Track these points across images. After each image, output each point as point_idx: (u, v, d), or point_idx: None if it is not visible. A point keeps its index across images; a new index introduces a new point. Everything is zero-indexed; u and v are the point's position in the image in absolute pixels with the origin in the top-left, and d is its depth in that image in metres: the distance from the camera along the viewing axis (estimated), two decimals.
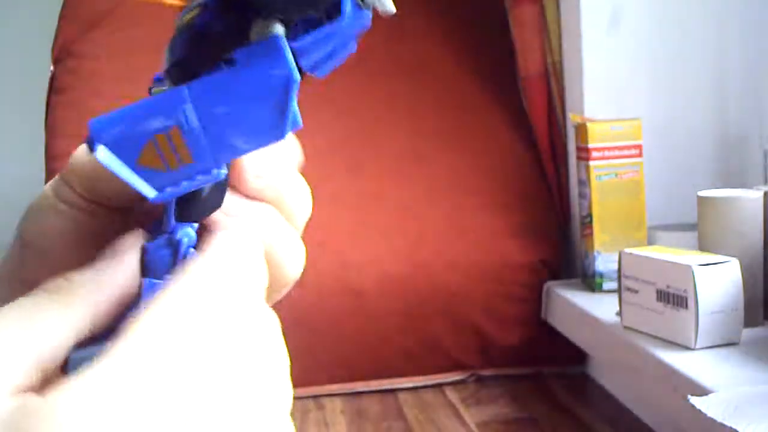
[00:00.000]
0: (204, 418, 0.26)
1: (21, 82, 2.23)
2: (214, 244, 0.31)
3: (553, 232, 1.58)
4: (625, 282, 1.14)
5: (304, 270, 0.39)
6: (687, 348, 1.04)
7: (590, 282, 1.38)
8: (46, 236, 0.35)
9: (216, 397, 0.27)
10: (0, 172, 2.36)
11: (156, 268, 0.33)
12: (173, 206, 0.34)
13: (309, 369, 1.44)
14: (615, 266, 1.20)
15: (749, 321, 1.07)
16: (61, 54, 1.78)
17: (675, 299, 1.05)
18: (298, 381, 0.37)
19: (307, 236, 0.41)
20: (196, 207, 0.34)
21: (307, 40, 0.33)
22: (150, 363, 0.26)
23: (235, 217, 0.34)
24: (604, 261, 1.36)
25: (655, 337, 1.09)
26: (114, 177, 0.31)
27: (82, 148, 0.35)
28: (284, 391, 0.30)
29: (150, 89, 0.35)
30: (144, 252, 0.33)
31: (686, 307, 1.04)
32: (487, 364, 1.50)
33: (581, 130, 1.38)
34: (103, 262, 0.31)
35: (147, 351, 0.26)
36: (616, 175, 1.36)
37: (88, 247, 0.34)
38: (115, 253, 0.32)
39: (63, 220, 0.35)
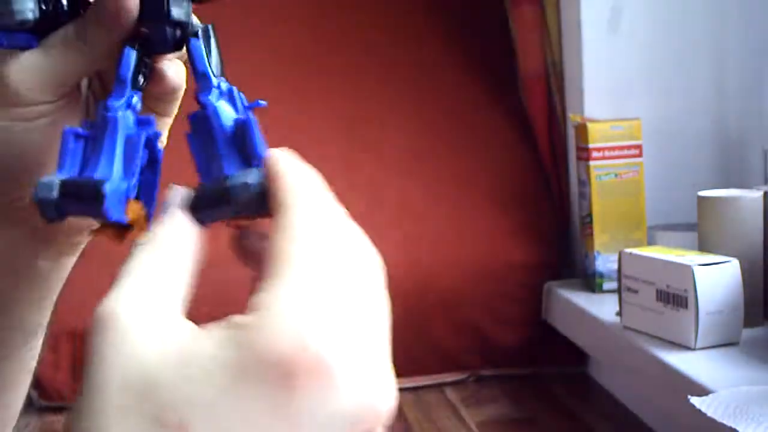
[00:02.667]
0: (357, 305, 0.32)
1: None
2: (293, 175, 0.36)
3: (553, 232, 1.58)
4: (625, 282, 1.14)
5: None
6: (687, 348, 1.04)
7: (590, 282, 1.38)
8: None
9: (356, 290, 0.33)
10: None
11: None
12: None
13: None
14: (615, 266, 1.20)
15: (749, 321, 1.07)
16: None
17: (675, 299, 1.05)
18: None
19: None
20: None
21: None
22: (320, 278, 0.32)
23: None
24: (604, 261, 1.36)
25: (655, 337, 1.09)
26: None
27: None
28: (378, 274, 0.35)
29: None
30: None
31: (686, 307, 1.04)
32: (487, 364, 1.50)
33: (581, 130, 1.38)
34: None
35: (314, 272, 0.32)
36: (616, 175, 1.36)
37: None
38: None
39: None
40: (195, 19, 0.42)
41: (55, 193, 0.37)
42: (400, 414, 1.37)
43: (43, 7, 0.41)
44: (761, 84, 1.48)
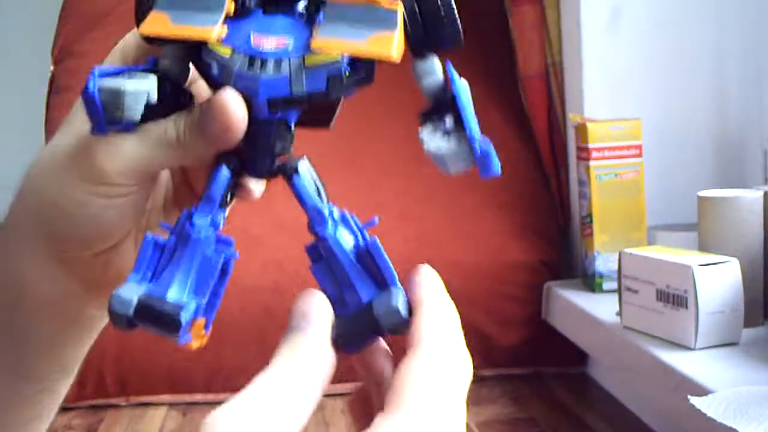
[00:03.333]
0: None
1: (21, 82, 2.23)
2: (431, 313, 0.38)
3: (553, 232, 1.58)
4: (625, 282, 1.14)
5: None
6: (687, 348, 1.04)
7: (590, 282, 1.38)
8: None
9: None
10: (0, 172, 2.36)
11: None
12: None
13: None
14: (615, 266, 1.20)
15: (749, 321, 1.07)
16: (61, 54, 1.78)
17: (675, 299, 1.05)
18: None
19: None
20: None
21: None
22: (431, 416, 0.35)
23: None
24: (604, 261, 1.36)
25: (655, 337, 1.09)
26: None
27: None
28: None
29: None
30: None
31: (686, 307, 1.04)
32: (487, 364, 1.50)
33: (581, 130, 1.38)
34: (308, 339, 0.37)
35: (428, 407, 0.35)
36: (616, 175, 1.36)
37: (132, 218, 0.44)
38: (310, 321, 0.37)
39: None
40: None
41: (130, 311, 0.38)
42: None
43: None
44: (761, 84, 1.48)
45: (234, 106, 0.39)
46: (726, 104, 1.49)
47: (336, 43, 0.38)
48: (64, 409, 1.46)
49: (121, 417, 1.41)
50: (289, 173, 0.40)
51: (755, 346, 1.04)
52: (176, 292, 0.38)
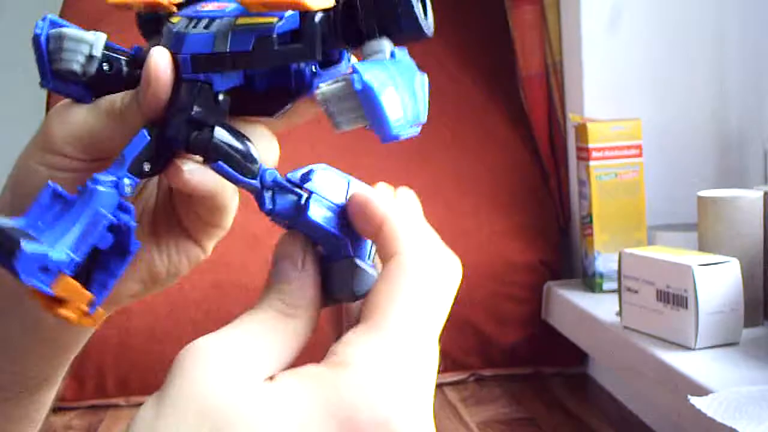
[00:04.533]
0: (425, 371, 0.35)
1: (21, 82, 2.23)
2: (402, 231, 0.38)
3: (553, 232, 1.58)
4: (625, 282, 1.14)
5: None
6: (687, 348, 1.04)
7: (590, 282, 1.38)
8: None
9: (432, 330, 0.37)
10: (0, 172, 2.36)
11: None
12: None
13: None
14: (615, 266, 1.20)
15: (749, 321, 1.07)
16: None
17: (675, 299, 1.05)
18: None
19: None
20: None
21: None
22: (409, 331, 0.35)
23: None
24: (604, 261, 1.36)
25: (655, 337, 1.09)
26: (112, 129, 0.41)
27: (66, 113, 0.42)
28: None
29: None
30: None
31: (686, 307, 1.04)
32: (487, 364, 1.50)
33: (581, 130, 1.38)
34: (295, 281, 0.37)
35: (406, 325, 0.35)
36: (616, 175, 1.36)
37: None
38: (300, 271, 0.38)
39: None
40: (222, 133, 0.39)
41: None
42: None
43: (105, 67, 0.41)
44: (761, 84, 1.48)
45: (156, 58, 0.38)
46: (726, 104, 1.49)
47: None
48: (64, 409, 1.46)
49: (121, 417, 1.41)
50: (210, 157, 0.38)
51: (755, 346, 1.04)
52: (49, 238, 0.36)
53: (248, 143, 0.39)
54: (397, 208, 0.38)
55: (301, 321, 0.36)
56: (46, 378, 0.49)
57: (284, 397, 0.33)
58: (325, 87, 0.35)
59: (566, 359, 1.49)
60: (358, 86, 0.35)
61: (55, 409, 1.42)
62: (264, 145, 0.41)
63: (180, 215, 0.46)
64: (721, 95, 1.49)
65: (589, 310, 1.28)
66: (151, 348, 1.42)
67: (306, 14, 0.37)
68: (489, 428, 1.30)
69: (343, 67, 0.40)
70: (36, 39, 0.40)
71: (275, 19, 0.37)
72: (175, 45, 0.38)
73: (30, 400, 0.49)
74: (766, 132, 1.46)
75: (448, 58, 1.71)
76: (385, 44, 0.37)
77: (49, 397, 0.50)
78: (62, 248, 0.36)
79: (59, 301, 0.36)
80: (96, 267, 0.38)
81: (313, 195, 0.38)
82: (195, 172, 0.40)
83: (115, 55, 0.42)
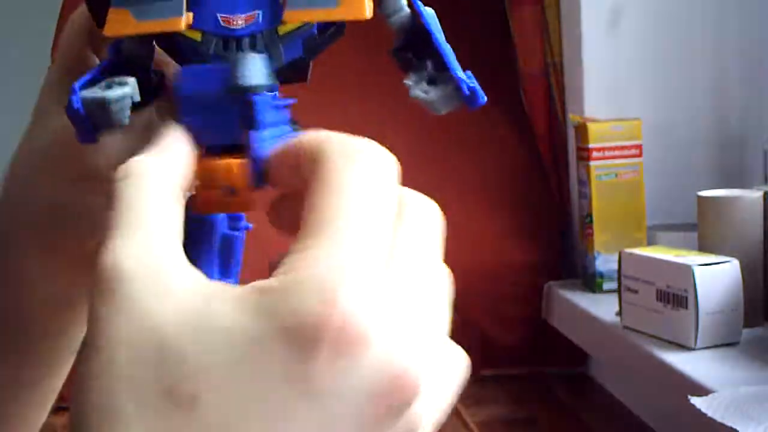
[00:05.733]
0: (401, 268, 0.31)
1: (21, 82, 2.23)
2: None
3: (553, 232, 1.58)
4: (625, 282, 1.14)
5: None
6: (687, 348, 1.04)
7: (590, 282, 1.38)
8: None
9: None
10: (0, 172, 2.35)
11: None
12: None
13: None
14: (615, 266, 1.20)
15: (749, 321, 1.07)
16: None
17: (675, 299, 1.05)
18: None
19: None
20: None
21: None
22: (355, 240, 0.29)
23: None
24: (604, 261, 1.36)
25: (655, 337, 1.09)
26: None
27: None
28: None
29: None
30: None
31: (686, 307, 1.04)
32: (487, 364, 1.50)
33: (581, 130, 1.38)
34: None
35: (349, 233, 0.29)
36: (616, 175, 1.36)
37: None
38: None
39: None
40: None
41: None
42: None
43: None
44: (761, 84, 1.48)
45: None
46: (726, 104, 1.49)
47: (309, 13, 0.37)
48: (64, 409, 1.46)
49: None
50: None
51: (755, 346, 1.04)
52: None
53: None
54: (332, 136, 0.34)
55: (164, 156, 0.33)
56: (72, 354, 0.50)
57: (228, 319, 0.28)
58: (426, 93, 0.38)
59: (566, 359, 1.49)
60: (467, 92, 0.38)
61: (55, 409, 1.42)
62: None
63: None
64: (721, 95, 1.49)
65: (589, 310, 1.28)
66: None
67: None
68: (489, 428, 1.30)
69: None
70: (77, 112, 0.38)
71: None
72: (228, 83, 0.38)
73: (48, 383, 0.51)
74: (766, 132, 1.46)
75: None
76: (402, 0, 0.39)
77: (62, 379, 0.51)
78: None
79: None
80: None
81: None
82: None
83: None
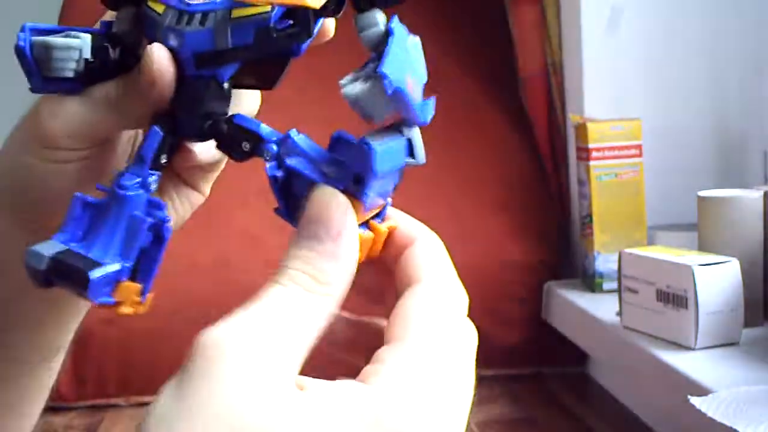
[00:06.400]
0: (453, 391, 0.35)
1: (21, 82, 2.23)
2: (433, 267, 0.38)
3: (553, 232, 1.58)
4: (625, 282, 1.14)
5: None
6: (687, 348, 1.04)
7: (590, 282, 1.38)
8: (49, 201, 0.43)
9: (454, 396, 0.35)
10: None
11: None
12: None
13: (309, 369, 1.44)
14: (615, 266, 1.20)
15: (749, 321, 1.07)
16: None
17: (675, 299, 1.06)
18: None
19: None
20: None
21: None
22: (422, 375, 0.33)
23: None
24: (604, 261, 1.36)
25: (655, 337, 1.09)
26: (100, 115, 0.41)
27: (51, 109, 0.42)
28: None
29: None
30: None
31: (686, 307, 1.04)
32: (487, 364, 1.50)
33: (581, 130, 1.38)
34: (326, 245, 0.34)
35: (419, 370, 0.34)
36: (616, 175, 1.36)
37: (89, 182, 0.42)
38: (334, 236, 0.34)
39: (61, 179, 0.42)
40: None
41: (43, 266, 0.37)
42: None
43: (90, 60, 0.41)
44: (761, 84, 1.48)
45: (157, 58, 0.38)
46: (726, 104, 1.49)
47: None
48: (64, 409, 1.46)
49: (122, 417, 1.41)
50: (217, 135, 0.40)
51: (755, 346, 1.04)
52: (99, 252, 0.37)
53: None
54: (428, 237, 0.39)
55: (329, 300, 0.33)
56: (61, 345, 0.50)
57: (316, 413, 0.30)
58: (353, 88, 0.37)
59: (566, 359, 1.49)
60: (389, 91, 0.36)
61: (56, 409, 1.42)
62: (248, 96, 0.43)
63: (178, 171, 0.47)
64: (721, 95, 1.49)
65: (589, 310, 1.28)
66: (152, 348, 1.42)
67: None
68: (489, 428, 1.30)
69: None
70: (21, 50, 0.40)
71: (269, 7, 0.37)
72: (173, 42, 0.39)
73: (46, 367, 0.50)
74: (766, 132, 1.46)
75: (448, 58, 1.71)
76: (379, 17, 0.39)
77: (59, 363, 0.51)
78: (116, 259, 0.37)
79: (118, 303, 0.38)
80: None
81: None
82: (203, 148, 0.42)
83: (100, 46, 0.42)
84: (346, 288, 0.34)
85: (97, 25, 0.44)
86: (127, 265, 0.37)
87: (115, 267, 0.37)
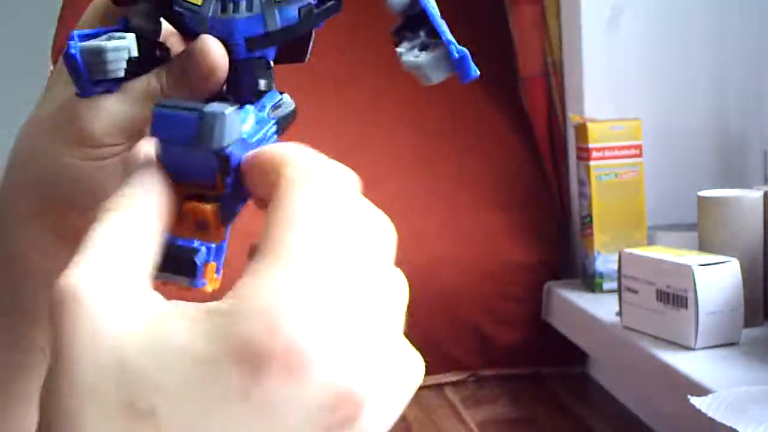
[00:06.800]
0: (347, 286, 0.31)
1: (21, 82, 2.23)
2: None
3: (553, 232, 1.58)
4: (625, 282, 1.14)
5: None
6: (687, 348, 1.04)
7: (590, 282, 1.38)
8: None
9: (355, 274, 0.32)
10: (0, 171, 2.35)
11: None
12: None
13: None
14: (615, 266, 1.20)
15: (749, 321, 1.07)
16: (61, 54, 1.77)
17: (675, 299, 1.05)
18: None
19: None
20: None
21: None
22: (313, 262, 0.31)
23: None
24: (604, 261, 1.36)
25: (655, 337, 1.09)
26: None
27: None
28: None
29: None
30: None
31: (686, 307, 1.04)
32: (487, 364, 1.50)
33: (581, 130, 1.38)
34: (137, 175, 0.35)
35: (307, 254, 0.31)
36: (616, 175, 1.36)
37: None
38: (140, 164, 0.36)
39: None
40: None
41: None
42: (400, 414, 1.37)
43: (136, 57, 0.42)
44: (761, 84, 1.48)
45: (215, 49, 0.40)
46: (726, 104, 1.49)
47: None
48: None
49: None
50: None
51: (755, 346, 1.04)
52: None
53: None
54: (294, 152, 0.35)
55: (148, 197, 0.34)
56: None
57: (182, 340, 0.29)
58: (415, 57, 0.40)
59: (566, 359, 1.49)
60: (456, 55, 0.40)
61: None
62: None
63: None
64: (721, 95, 1.49)
65: (589, 310, 1.28)
66: None
67: None
68: (489, 428, 1.30)
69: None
70: (73, 58, 0.41)
71: None
72: (225, 31, 0.40)
73: (46, 362, 0.50)
74: (766, 132, 1.46)
75: None
76: None
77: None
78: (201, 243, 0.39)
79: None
80: None
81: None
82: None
83: (142, 43, 0.43)
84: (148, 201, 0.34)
85: (96, 25, 0.44)
86: (212, 247, 0.39)
87: (204, 251, 0.38)
